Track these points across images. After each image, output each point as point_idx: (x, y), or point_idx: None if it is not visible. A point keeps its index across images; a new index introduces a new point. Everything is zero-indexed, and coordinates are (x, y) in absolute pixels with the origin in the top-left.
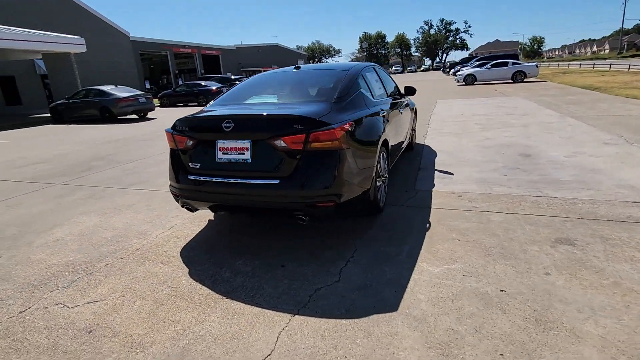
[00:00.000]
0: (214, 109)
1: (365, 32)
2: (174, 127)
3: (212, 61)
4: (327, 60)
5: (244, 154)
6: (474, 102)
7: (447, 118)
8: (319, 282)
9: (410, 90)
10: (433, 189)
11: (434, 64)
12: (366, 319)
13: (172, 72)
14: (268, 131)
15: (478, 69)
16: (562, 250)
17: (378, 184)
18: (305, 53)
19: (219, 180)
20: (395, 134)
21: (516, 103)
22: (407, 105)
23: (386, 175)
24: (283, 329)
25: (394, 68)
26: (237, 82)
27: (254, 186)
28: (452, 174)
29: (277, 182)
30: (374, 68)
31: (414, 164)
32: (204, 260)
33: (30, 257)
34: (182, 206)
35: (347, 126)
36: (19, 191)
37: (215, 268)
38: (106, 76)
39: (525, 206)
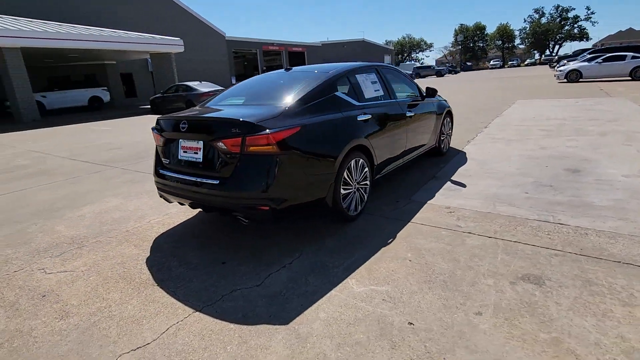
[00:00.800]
0: (202, 106)
1: (462, 24)
2: (155, 124)
3: (298, 58)
4: (416, 54)
5: (197, 153)
6: (560, 104)
7: (513, 121)
8: (241, 283)
9: (431, 92)
10: (429, 201)
11: (542, 58)
12: (253, 328)
13: (259, 68)
14: (213, 133)
15: (585, 63)
16: (520, 290)
17: (345, 191)
18: (393, 48)
19: (180, 176)
20: (393, 138)
21: (613, 106)
22: (429, 108)
23: (366, 182)
24: (176, 323)
25: (491, 63)
26: None
27: (202, 184)
28: (464, 186)
29: (217, 182)
30: (376, 69)
31: (431, 171)
32: (167, 248)
33: (53, 228)
34: (160, 197)
35: (289, 131)
36: (86, 171)
37: (168, 257)
38: (203, 73)
39: (519, 231)
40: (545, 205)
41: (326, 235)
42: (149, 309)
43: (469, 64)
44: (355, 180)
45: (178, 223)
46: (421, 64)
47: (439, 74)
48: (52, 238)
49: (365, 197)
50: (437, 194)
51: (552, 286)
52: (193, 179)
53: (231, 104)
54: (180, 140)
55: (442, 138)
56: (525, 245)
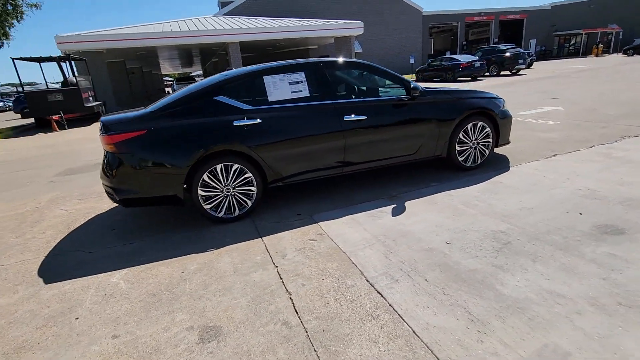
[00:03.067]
0: None
1: None
2: None
3: (515, 27)
4: None
5: None
6: None
7: None
8: (90, 248)
9: (412, 91)
10: (322, 222)
11: None
12: (35, 279)
13: (459, 43)
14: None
15: None
16: (113, 343)
17: (208, 194)
18: None
19: None
20: (311, 146)
21: None
22: (421, 110)
23: (249, 188)
24: (26, 260)
25: None
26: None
27: None
28: (398, 214)
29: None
30: (314, 66)
31: (400, 187)
32: (123, 209)
33: None
34: None
35: (130, 134)
36: None
37: (112, 216)
38: (394, 52)
39: (319, 283)
40: (421, 267)
41: (182, 230)
42: (39, 247)
43: None
44: (228, 184)
45: None
46: None
47: None
48: (99, 189)
49: (250, 203)
50: (347, 217)
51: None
52: None
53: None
54: None
55: (460, 148)
56: (276, 299)
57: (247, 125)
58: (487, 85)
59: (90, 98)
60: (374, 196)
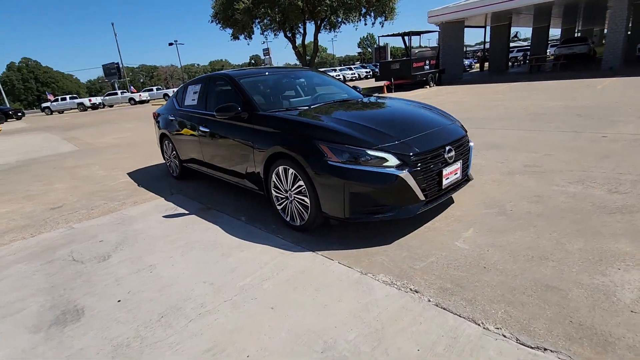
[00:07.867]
0: None
1: None
2: None
3: None
4: None
5: None
6: None
7: None
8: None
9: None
10: (168, 199)
11: None
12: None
13: None
14: None
15: None
16: None
17: (169, 152)
18: None
19: None
20: (189, 144)
21: None
22: (238, 131)
23: (176, 160)
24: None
25: None
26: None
27: None
28: (181, 217)
29: None
30: (208, 80)
31: (245, 214)
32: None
33: None
34: None
35: (156, 114)
36: None
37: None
38: None
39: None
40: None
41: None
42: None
43: None
44: (170, 154)
45: None
46: None
47: None
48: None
49: (178, 171)
50: (171, 205)
51: None
52: None
53: None
54: None
55: (277, 194)
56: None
57: (172, 119)
58: None
59: (426, 67)
60: (214, 205)
